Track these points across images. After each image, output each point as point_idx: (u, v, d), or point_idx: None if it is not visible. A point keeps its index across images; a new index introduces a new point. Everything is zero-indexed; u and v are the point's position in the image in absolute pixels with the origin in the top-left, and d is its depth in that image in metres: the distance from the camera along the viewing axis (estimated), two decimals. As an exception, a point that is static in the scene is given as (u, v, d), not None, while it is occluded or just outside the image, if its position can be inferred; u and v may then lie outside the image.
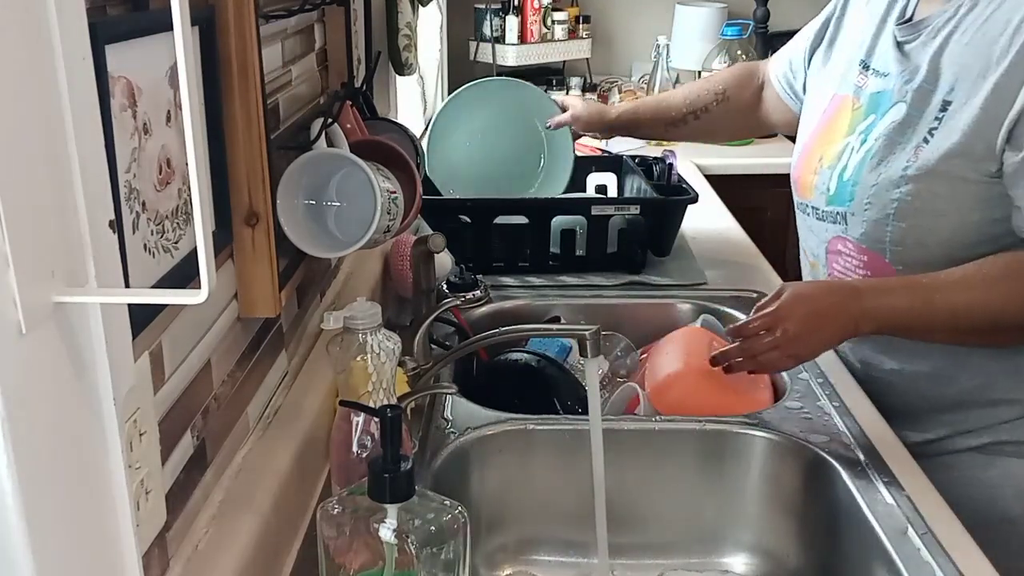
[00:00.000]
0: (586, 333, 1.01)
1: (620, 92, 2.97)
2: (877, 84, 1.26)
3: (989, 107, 1.10)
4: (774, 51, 1.63)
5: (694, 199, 1.72)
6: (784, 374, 1.32)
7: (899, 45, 1.25)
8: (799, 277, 1.46)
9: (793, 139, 1.46)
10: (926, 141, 1.16)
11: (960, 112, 1.13)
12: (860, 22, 1.36)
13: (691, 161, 2.51)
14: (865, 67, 1.30)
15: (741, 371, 1.18)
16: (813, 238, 1.35)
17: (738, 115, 1.69)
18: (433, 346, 1.38)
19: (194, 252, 0.74)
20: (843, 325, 1.13)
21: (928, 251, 1.18)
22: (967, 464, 1.25)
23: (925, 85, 1.19)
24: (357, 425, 0.95)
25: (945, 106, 1.15)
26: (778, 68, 1.59)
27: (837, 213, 1.27)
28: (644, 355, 1.44)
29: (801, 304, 1.14)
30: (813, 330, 1.13)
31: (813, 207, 1.33)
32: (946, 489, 1.07)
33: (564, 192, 1.88)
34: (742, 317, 1.51)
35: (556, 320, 1.53)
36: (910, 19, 1.26)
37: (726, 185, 2.39)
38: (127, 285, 0.63)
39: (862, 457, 1.10)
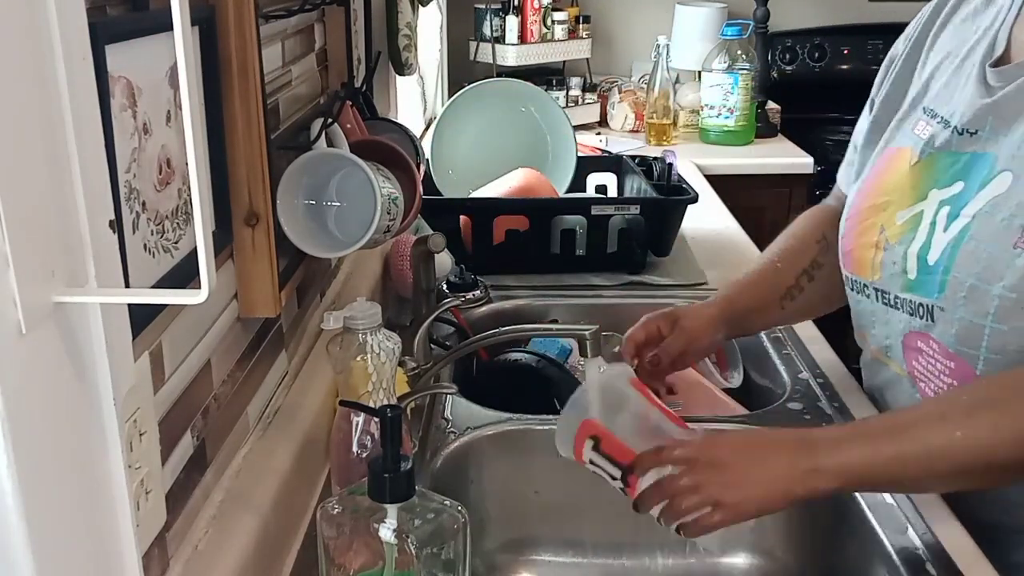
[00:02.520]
0: (586, 333, 1.01)
1: (620, 92, 2.97)
2: (963, 144, 0.99)
3: None
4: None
5: (694, 199, 1.72)
6: (784, 373, 1.32)
7: (990, 92, 0.98)
8: (845, 360, 1.19)
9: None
10: None
11: None
12: (927, 61, 1.10)
13: (691, 161, 2.51)
14: (932, 115, 1.04)
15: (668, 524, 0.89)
16: (879, 326, 1.07)
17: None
18: (433, 346, 1.38)
19: (194, 252, 0.74)
20: (786, 474, 0.86)
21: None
22: None
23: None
24: (357, 425, 0.95)
25: None
26: (842, 176, 1.27)
27: (920, 305, 0.99)
28: None
29: (734, 436, 0.93)
30: (746, 469, 0.87)
31: (879, 290, 1.05)
32: None
33: (565, 192, 1.89)
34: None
35: (555, 323, 1.53)
36: (1002, 59, 1.00)
37: (726, 185, 2.39)
38: (127, 285, 0.63)
39: (862, 457, 1.10)
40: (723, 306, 1.24)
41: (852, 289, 1.11)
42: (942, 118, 1.02)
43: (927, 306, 0.99)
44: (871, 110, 1.18)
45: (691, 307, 1.25)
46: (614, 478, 0.90)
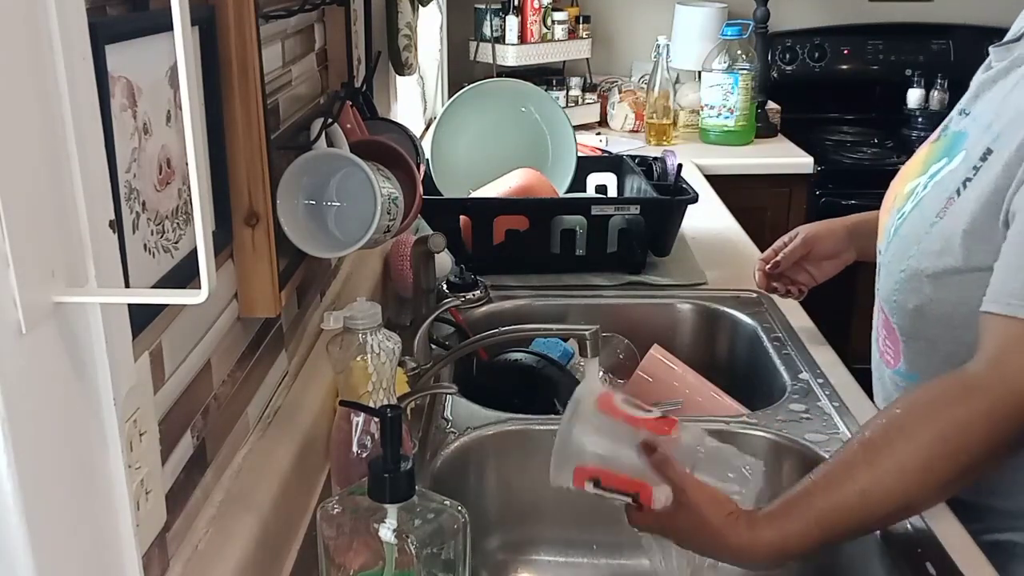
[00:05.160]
0: (586, 333, 1.01)
1: (620, 92, 2.97)
2: (960, 122, 1.06)
3: (1011, 165, 0.92)
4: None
5: (694, 199, 1.72)
6: (784, 374, 1.32)
7: (986, 71, 1.03)
8: (864, 363, 1.23)
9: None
10: (958, 193, 0.98)
11: (997, 161, 0.94)
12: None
13: (691, 161, 2.51)
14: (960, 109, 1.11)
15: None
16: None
17: None
18: (433, 346, 1.38)
19: (194, 252, 0.74)
20: (728, 548, 0.87)
21: (928, 326, 1.01)
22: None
23: (989, 125, 0.99)
24: (357, 425, 0.95)
25: (987, 154, 0.96)
26: None
27: (880, 264, 1.12)
28: None
29: (686, 525, 0.89)
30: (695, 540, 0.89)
31: (879, 251, 1.15)
32: None
33: (565, 192, 1.89)
34: (743, 318, 1.52)
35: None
36: (1007, 40, 1.03)
37: (726, 185, 2.39)
38: (127, 285, 0.63)
39: (862, 457, 1.10)
40: (854, 219, 1.33)
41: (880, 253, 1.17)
42: (962, 110, 1.09)
43: (881, 263, 1.12)
44: None
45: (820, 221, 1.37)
46: (624, 499, 0.91)
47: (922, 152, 1.13)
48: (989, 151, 0.96)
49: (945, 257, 0.98)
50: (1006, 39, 1.04)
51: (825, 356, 1.38)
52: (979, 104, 1.04)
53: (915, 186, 1.08)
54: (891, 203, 1.13)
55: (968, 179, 0.97)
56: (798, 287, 1.40)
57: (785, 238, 1.35)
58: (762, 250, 1.87)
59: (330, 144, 1.08)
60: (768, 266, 1.37)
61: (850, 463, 0.88)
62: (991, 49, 1.04)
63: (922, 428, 0.86)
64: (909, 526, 0.97)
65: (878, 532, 0.97)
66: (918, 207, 1.04)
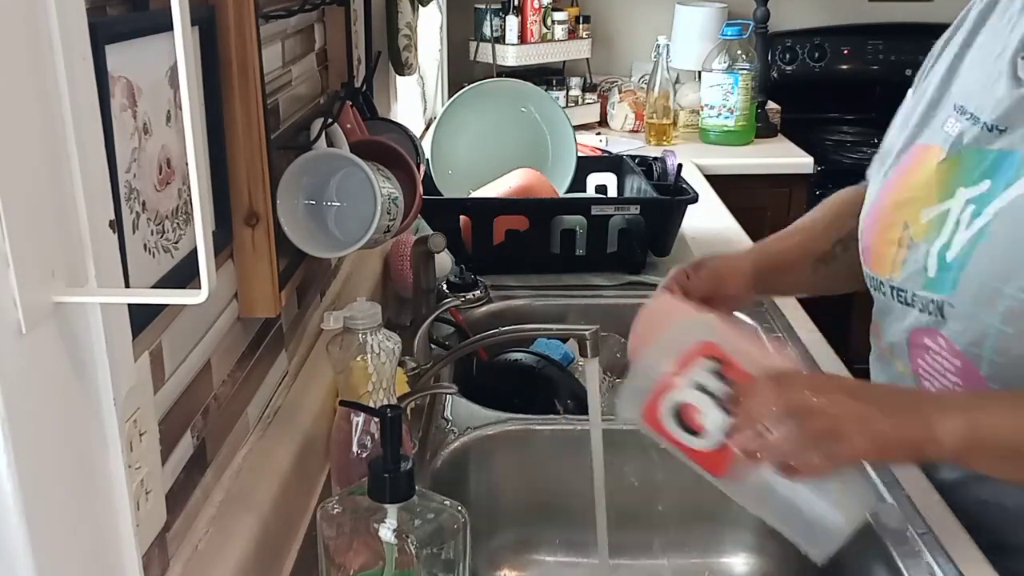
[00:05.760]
0: (586, 333, 1.01)
1: (620, 92, 2.97)
2: (991, 140, 0.96)
3: None
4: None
5: (694, 199, 1.72)
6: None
7: (1020, 85, 0.94)
8: (864, 363, 1.16)
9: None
10: None
11: None
12: (959, 56, 1.07)
13: (691, 161, 2.51)
14: (962, 111, 1.00)
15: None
16: (892, 323, 1.05)
17: None
18: (433, 346, 1.38)
19: (194, 252, 0.74)
20: (907, 421, 0.83)
21: None
22: None
23: None
24: (357, 425, 0.95)
25: None
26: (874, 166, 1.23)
27: (932, 301, 0.97)
28: None
29: (845, 379, 0.86)
30: (872, 421, 0.82)
31: (895, 288, 1.03)
32: None
33: (565, 192, 1.89)
34: (743, 318, 1.52)
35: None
36: None
37: (726, 185, 2.39)
38: (127, 285, 0.63)
39: (862, 457, 1.10)
40: (755, 255, 1.22)
41: (870, 285, 1.09)
42: (971, 114, 0.98)
43: (938, 302, 0.96)
44: (919, 89, 1.13)
45: (721, 254, 1.23)
46: (688, 437, 0.81)
47: (925, 173, 1.01)
48: None
49: None
50: None
51: (825, 356, 1.38)
52: (1016, 116, 0.94)
53: (945, 211, 0.97)
54: (902, 232, 1.02)
55: None
56: None
57: (688, 269, 1.14)
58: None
59: (330, 144, 1.08)
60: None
61: None
62: (1022, 62, 0.95)
63: None
64: (910, 528, 0.97)
65: (880, 532, 0.97)
66: (986, 239, 0.92)
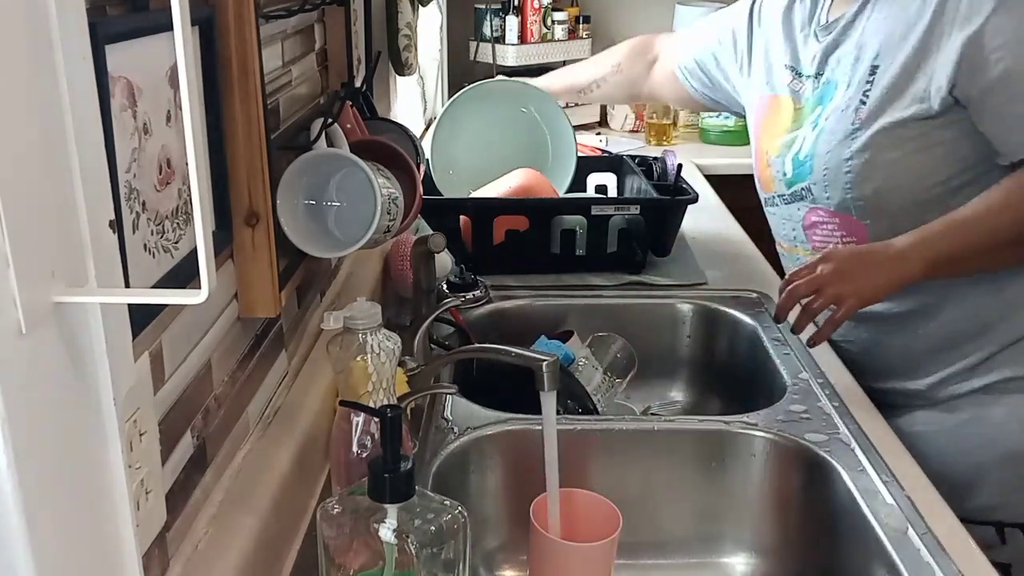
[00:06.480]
0: (543, 363, 0.92)
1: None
2: (817, 84, 1.43)
3: (917, 55, 1.27)
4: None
5: (694, 199, 1.72)
6: (784, 373, 1.32)
7: (825, 46, 1.41)
8: (782, 275, 1.51)
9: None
10: (863, 102, 1.33)
11: (888, 69, 1.30)
12: (777, 32, 1.53)
13: (691, 161, 2.51)
14: (797, 73, 1.48)
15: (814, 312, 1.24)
16: (787, 224, 1.48)
17: (629, 85, 1.93)
18: (433, 346, 1.38)
19: (194, 252, 0.74)
20: (890, 261, 1.22)
21: (887, 199, 1.31)
22: (973, 405, 1.35)
23: (855, 62, 1.35)
24: (357, 425, 0.95)
25: (874, 70, 1.32)
26: (682, 58, 1.79)
27: (802, 189, 1.42)
28: None
29: (842, 249, 1.26)
30: (859, 265, 1.22)
31: (778, 195, 1.48)
32: (955, 431, 1.28)
33: (565, 192, 1.88)
34: (743, 318, 1.52)
35: (570, 333, 1.48)
36: (827, 23, 1.44)
37: (726, 185, 2.39)
38: (127, 285, 0.63)
39: (862, 457, 1.10)
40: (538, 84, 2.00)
41: (767, 204, 1.54)
42: (799, 72, 1.47)
43: (806, 187, 1.41)
44: (748, 58, 1.62)
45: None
46: None
47: (774, 115, 1.50)
48: (875, 67, 1.31)
49: (895, 139, 1.31)
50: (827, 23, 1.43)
51: (825, 356, 1.38)
52: (827, 64, 1.41)
53: (795, 137, 1.43)
54: (765, 157, 1.49)
55: (867, 91, 1.32)
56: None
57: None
58: (762, 249, 1.88)
59: (330, 144, 1.08)
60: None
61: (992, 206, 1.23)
62: (819, 29, 1.44)
63: None
64: (909, 525, 0.97)
65: (880, 532, 0.97)
66: (822, 136, 1.37)
